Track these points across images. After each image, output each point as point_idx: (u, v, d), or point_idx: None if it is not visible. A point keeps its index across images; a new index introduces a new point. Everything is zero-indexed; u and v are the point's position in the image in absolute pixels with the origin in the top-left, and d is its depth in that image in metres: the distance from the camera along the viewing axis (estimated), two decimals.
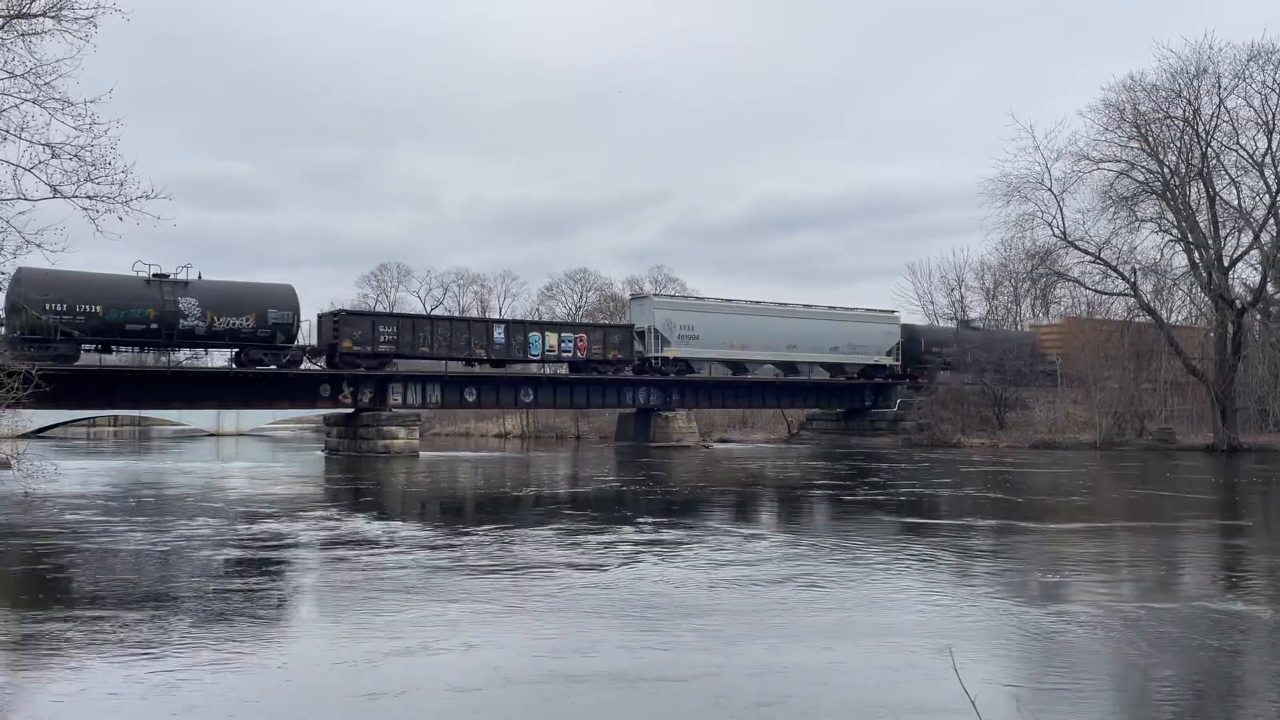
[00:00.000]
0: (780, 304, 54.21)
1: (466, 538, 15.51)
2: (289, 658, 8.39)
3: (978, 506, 20.89)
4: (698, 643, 8.68)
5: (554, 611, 9.99)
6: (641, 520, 17.83)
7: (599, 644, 8.65)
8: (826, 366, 55.27)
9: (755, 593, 11.02)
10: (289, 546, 14.85)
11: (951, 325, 64.62)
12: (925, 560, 13.45)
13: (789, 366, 54.63)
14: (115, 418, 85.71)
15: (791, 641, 8.73)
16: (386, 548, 14.39)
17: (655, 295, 55.19)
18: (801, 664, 8.02)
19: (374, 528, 16.67)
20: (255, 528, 16.67)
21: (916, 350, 55.90)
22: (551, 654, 8.26)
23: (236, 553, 13.95)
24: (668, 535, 15.83)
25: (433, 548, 14.38)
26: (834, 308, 55.73)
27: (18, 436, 25.90)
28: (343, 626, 9.49)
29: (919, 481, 28.13)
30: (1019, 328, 66.45)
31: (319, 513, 19.34)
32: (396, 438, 41.40)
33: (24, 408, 18.40)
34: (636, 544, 14.74)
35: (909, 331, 57.18)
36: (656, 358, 48.38)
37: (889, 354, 55.16)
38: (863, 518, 18.97)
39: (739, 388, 53.67)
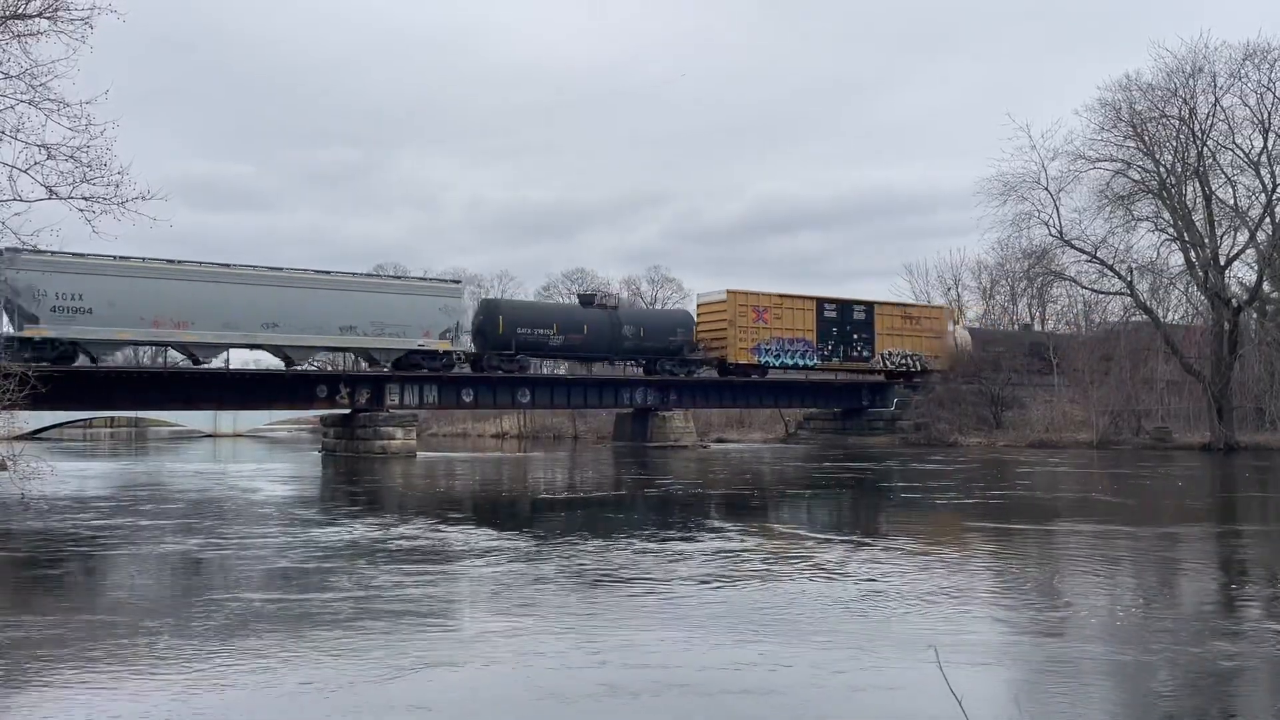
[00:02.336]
0: (251, 266, 39.18)
1: (555, 545, 14.63)
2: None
3: (1091, 507, 20.46)
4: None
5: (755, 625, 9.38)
6: (720, 525, 17.26)
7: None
8: (344, 351, 44.90)
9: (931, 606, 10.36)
10: (399, 553, 13.90)
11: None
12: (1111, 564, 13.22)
13: (279, 353, 40.08)
14: (112, 419, 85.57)
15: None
16: (481, 556, 13.51)
17: (7, 250, 27.32)
18: None
19: (451, 534, 15.87)
20: (330, 531, 16.13)
21: (493, 331, 44.65)
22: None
23: (397, 565, 12.80)
24: (756, 542, 15.11)
25: (530, 558, 13.35)
26: (357, 275, 43.22)
27: (14, 438, 25.84)
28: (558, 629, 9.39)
29: (977, 481, 27.59)
30: (1014, 327, 66.49)
31: (375, 518, 18.39)
32: (394, 438, 41.40)
33: (21, 409, 18.36)
34: (738, 553, 13.91)
35: (489, 308, 47.03)
36: (13, 338, 33.22)
37: (445, 335, 42.46)
38: (950, 519, 18.37)
39: (736, 388, 53.64)
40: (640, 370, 50.90)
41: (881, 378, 55.77)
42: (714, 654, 8.33)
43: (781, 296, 51.90)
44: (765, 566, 12.99)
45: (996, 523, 17.89)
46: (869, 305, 55.19)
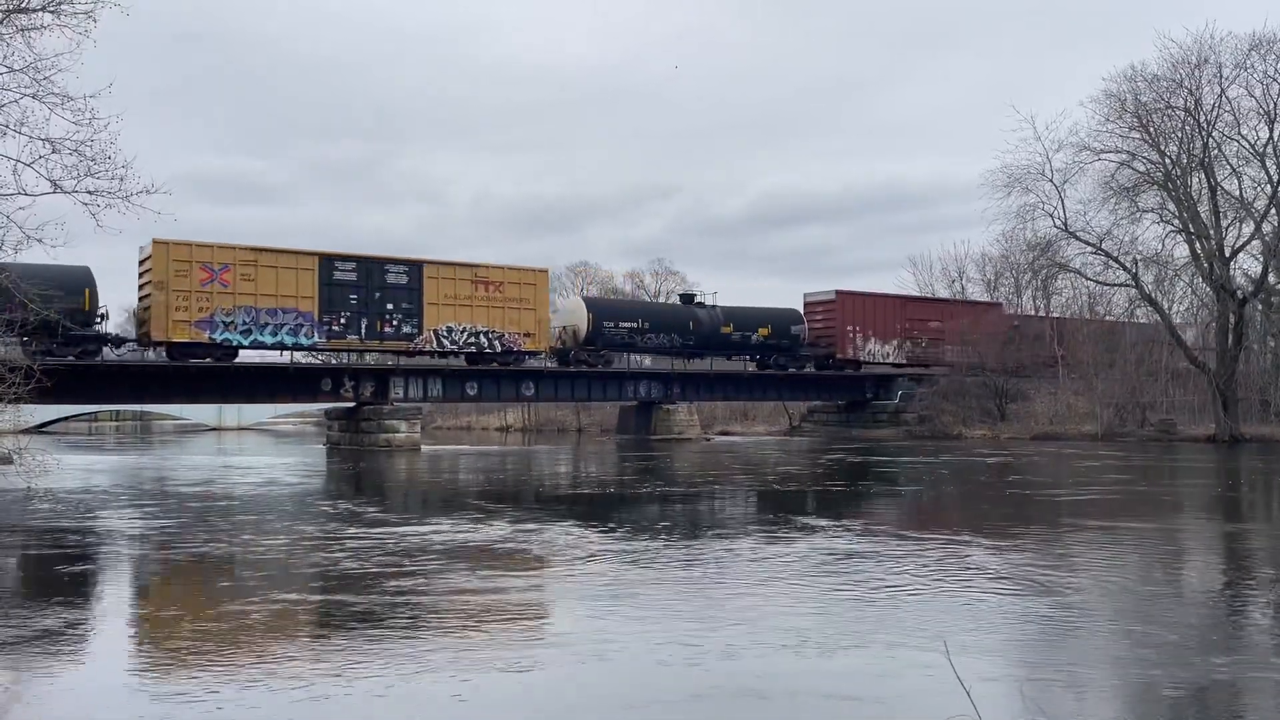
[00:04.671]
0: None
1: (647, 542, 13.92)
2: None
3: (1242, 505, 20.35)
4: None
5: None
6: (806, 521, 16.44)
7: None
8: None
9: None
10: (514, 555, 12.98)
11: None
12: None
13: None
14: (117, 413, 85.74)
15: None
16: (597, 559, 12.66)
17: None
18: None
19: (552, 533, 14.98)
20: (413, 531, 15.18)
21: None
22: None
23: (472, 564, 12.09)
24: (852, 540, 14.15)
25: (633, 560, 12.50)
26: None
27: (19, 431, 25.92)
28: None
29: (1036, 474, 27.26)
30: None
31: (440, 517, 17.14)
32: (398, 431, 41.49)
33: (26, 403, 18.39)
34: (847, 552, 13.05)
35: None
36: None
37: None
38: (1049, 517, 17.44)
39: (739, 380, 53.68)
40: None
41: (430, 359, 43.90)
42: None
43: (257, 250, 38.97)
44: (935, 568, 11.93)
45: (1112, 519, 17.16)
46: (415, 265, 42.21)
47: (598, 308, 48.87)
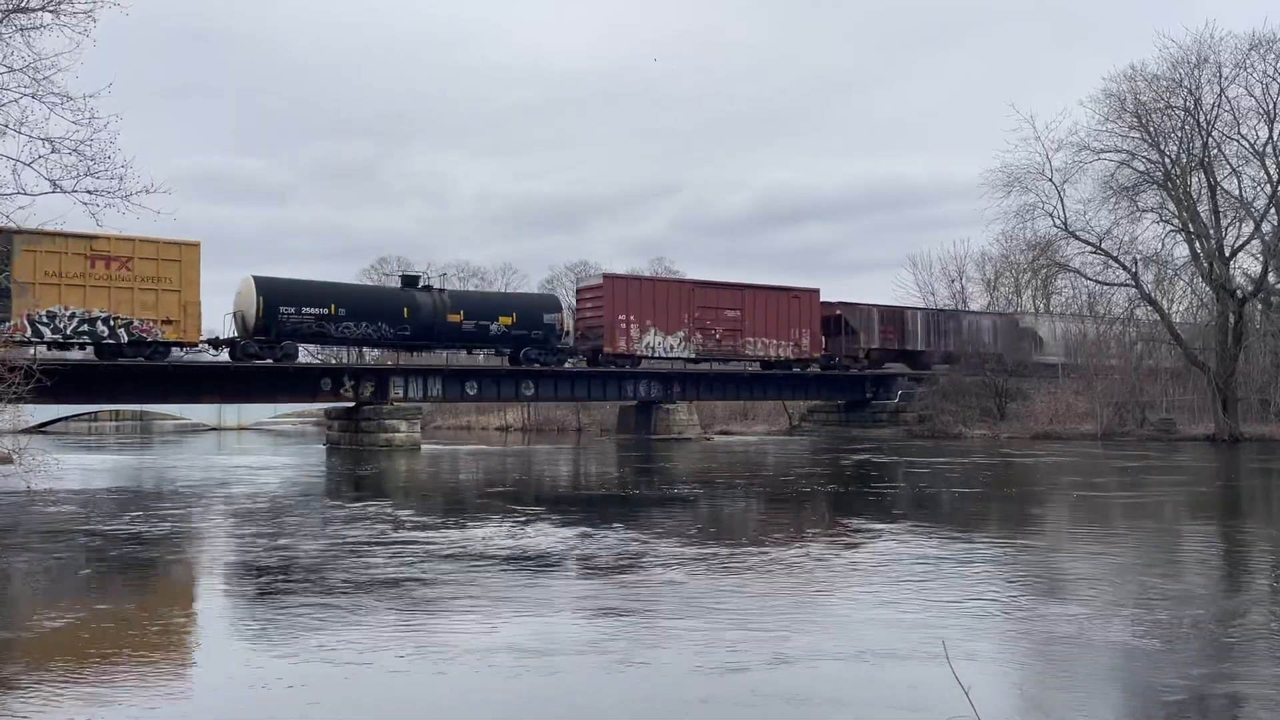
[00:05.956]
0: None
1: (725, 547, 13.53)
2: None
3: None
4: None
5: None
6: (876, 524, 15.89)
7: None
8: None
9: None
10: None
11: None
12: None
13: None
14: (116, 412, 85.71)
15: None
16: (673, 564, 12.17)
17: None
18: None
19: (612, 538, 14.39)
20: (468, 535, 14.70)
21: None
22: None
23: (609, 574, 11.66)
24: (936, 546, 13.68)
25: (725, 566, 12.05)
26: None
27: (19, 431, 25.87)
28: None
29: (1075, 474, 27.10)
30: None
31: (486, 523, 16.36)
32: (398, 431, 41.52)
33: (25, 402, 18.40)
34: (938, 558, 12.58)
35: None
36: None
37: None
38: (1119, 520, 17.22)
39: (740, 380, 53.65)
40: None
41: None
42: None
43: None
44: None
45: (1191, 520, 17.14)
46: (3, 234, 26.97)
47: (270, 289, 39.01)
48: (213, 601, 10.97)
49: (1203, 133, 43.93)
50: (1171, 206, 45.39)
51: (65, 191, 16.85)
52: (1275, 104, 42.65)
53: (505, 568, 12.09)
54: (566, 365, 46.63)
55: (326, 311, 39.69)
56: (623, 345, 46.80)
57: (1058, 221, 46.37)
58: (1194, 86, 43.33)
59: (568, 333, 46.34)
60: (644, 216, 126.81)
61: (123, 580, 12.06)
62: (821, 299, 53.06)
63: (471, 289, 44.14)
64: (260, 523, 16.52)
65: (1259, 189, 44.78)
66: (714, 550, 13.38)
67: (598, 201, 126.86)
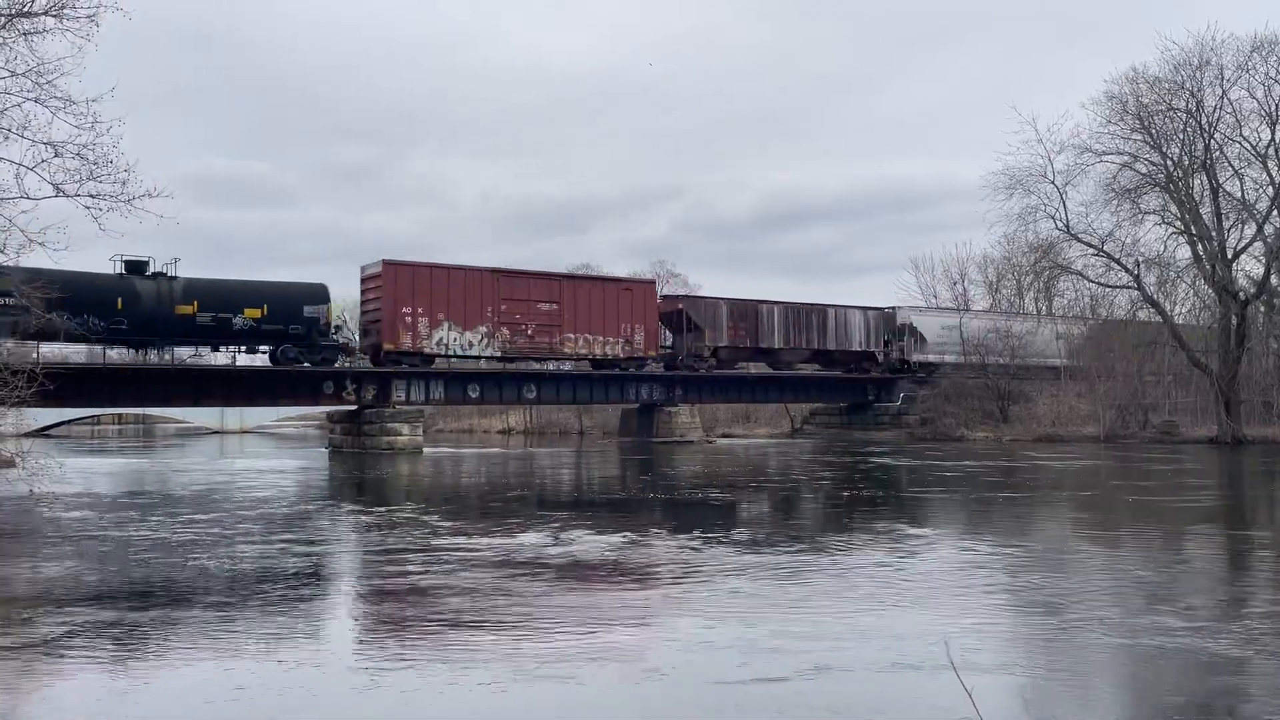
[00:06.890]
0: None
1: (767, 556, 13.35)
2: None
3: None
4: None
5: None
6: (932, 529, 15.99)
7: None
8: None
9: None
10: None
11: None
12: None
13: None
14: (119, 415, 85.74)
15: None
16: (733, 571, 12.13)
17: None
18: None
19: (656, 547, 14.21)
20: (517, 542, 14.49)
21: None
22: None
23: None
24: (994, 549, 13.70)
25: (786, 570, 12.19)
26: None
27: (22, 435, 25.80)
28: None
29: (1117, 478, 27.05)
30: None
31: (531, 530, 16.04)
32: (400, 434, 41.51)
33: (28, 406, 18.38)
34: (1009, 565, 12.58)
35: None
36: None
37: None
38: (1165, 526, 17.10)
39: (741, 383, 53.64)
40: None
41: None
42: None
43: None
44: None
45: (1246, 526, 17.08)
46: None
47: None
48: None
49: (1205, 135, 43.93)
50: (1174, 209, 45.41)
51: (68, 196, 16.84)
52: (1277, 106, 42.67)
53: (579, 580, 11.86)
54: (339, 365, 41.57)
55: (9, 303, 27.39)
56: (407, 341, 41.52)
57: (1060, 224, 46.44)
58: (1196, 89, 43.37)
59: (337, 328, 41.37)
60: (646, 219, 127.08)
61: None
62: (667, 293, 49.04)
63: (216, 277, 38.78)
64: (303, 529, 16.38)
65: (1261, 191, 44.80)
66: (770, 559, 13.16)
67: (600, 203, 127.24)
